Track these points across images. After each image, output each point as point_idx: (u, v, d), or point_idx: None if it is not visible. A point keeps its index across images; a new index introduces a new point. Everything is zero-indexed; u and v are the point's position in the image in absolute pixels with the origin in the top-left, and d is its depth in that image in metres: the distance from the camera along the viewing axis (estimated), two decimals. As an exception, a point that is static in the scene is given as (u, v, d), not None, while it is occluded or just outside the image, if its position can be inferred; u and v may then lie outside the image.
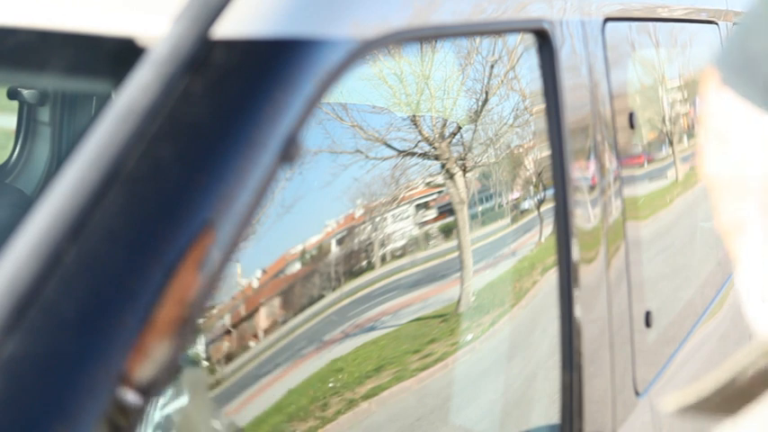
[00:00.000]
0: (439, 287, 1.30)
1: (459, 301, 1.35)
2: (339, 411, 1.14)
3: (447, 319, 1.28)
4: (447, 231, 1.32)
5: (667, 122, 2.00)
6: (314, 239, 1.17)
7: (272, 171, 0.79)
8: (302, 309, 1.24)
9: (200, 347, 1.15)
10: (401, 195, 1.26)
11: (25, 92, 3.03)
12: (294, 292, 1.32)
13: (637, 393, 1.61)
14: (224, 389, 1.18)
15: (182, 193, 0.74)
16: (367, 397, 1.16)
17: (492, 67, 1.36)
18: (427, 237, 1.30)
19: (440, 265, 1.37)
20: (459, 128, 1.35)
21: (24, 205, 2.64)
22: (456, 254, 1.34)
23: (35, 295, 0.68)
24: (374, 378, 1.17)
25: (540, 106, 1.34)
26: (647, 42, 1.90)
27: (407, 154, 1.25)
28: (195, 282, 0.72)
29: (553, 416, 1.35)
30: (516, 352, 1.34)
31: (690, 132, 2.23)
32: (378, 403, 1.15)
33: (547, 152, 1.34)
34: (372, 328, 1.19)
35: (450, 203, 1.31)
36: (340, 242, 1.21)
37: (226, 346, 1.26)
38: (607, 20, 1.55)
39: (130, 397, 0.67)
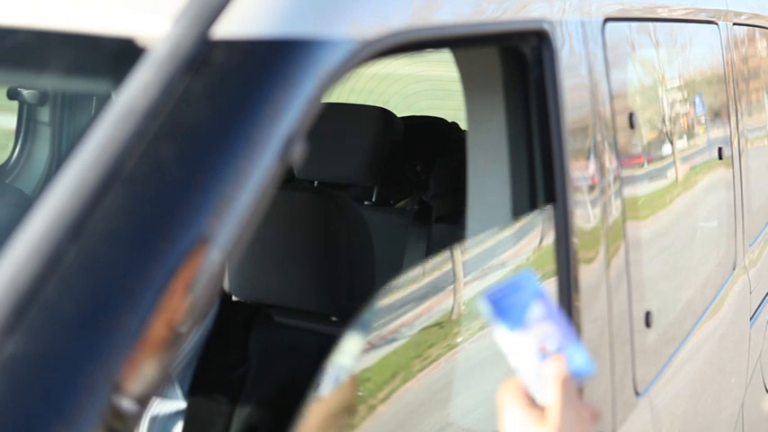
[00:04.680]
0: (440, 297, 1.29)
1: (459, 301, 1.35)
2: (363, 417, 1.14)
3: (443, 326, 1.28)
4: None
5: (667, 122, 2.00)
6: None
7: (272, 171, 0.79)
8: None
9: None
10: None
11: (25, 92, 3.03)
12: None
13: (637, 393, 1.61)
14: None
15: (182, 194, 0.74)
16: (383, 401, 1.15)
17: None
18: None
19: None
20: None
21: (24, 205, 2.64)
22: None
23: (35, 295, 0.68)
24: (390, 383, 1.17)
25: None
26: (647, 42, 1.90)
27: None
28: (195, 282, 0.72)
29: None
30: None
31: (690, 132, 2.23)
32: (388, 405, 1.15)
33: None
34: (393, 339, 1.19)
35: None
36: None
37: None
38: (607, 20, 1.55)
39: (127, 399, 0.67)
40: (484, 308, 0.93)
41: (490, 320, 0.93)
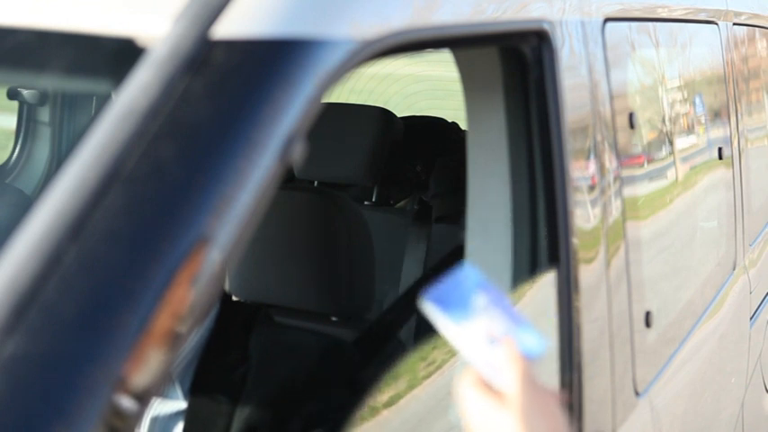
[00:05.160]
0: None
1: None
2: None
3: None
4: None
5: (667, 122, 2.00)
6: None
7: (272, 171, 0.79)
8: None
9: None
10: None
11: (25, 92, 3.03)
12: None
13: (637, 393, 1.61)
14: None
15: (182, 194, 0.74)
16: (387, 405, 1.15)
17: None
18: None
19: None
20: None
21: (24, 205, 2.64)
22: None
23: (35, 295, 0.68)
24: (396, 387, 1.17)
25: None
26: (647, 42, 1.90)
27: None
28: (195, 282, 0.72)
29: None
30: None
31: (690, 132, 2.23)
32: (392, 411, 1.15)
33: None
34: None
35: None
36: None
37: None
38: (607, 20, 1.55)
39: (128, 399, 0.67)
40: (427, 309, 0.93)
41: (435, 319, 0.93)
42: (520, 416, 0.88)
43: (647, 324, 1.68)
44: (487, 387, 0.91)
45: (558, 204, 1.32)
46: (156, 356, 0.69)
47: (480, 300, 0.93)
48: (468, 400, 0.92)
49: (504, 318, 0.93)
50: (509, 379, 0.90)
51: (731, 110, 2.56)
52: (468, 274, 0.95)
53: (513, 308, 0.95)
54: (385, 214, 3.25)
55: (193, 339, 1.38)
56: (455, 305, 0.93)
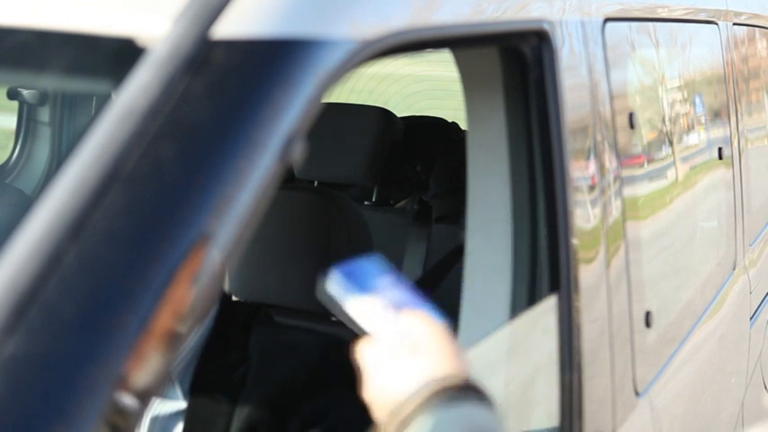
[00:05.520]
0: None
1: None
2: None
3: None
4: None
5: (667, 122, 2.00)
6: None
7: (272, 171, 0.80)
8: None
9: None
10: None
11: (25, 92, 3.03)
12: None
13: (637, 393, 1.61)
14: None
15: (182, 194, 0.75)
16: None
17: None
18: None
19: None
20: None
21: (24, 205, 2.64)
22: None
23: (35, 295, 0.68)
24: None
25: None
26: (647, 42, 1.90)
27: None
28: (195, 282, 0.72)
29: (553, 416, 1.35)
30: (516, 352, 1.34)
31: (690, 132, 2.23)
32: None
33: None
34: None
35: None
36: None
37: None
38: (607, 20, 1.55)
39: (128, 398, 0.67)
40: (329, 286, 0.95)
41: (337, 295, 0.95)
42: (433, 359, 0.89)
43: (647, 324, 1.68)
44: (390, 348, 0.92)
45: (558, 204, 1.32)
46: (157, 356, 0.69)
47: (384, 279, 0.97)
48: (372, 361, 0.92)
49: (407, 294, 0.96)
50: (419, 332, 0.91)
51: (731, 110, 2.57)
52: (371, 259, 0.98)
53: (414, 290, 0.97)
54: (385, 214, 3.25)
55: (193, 339, 1.38)
56: (360, 281, 0.96)
